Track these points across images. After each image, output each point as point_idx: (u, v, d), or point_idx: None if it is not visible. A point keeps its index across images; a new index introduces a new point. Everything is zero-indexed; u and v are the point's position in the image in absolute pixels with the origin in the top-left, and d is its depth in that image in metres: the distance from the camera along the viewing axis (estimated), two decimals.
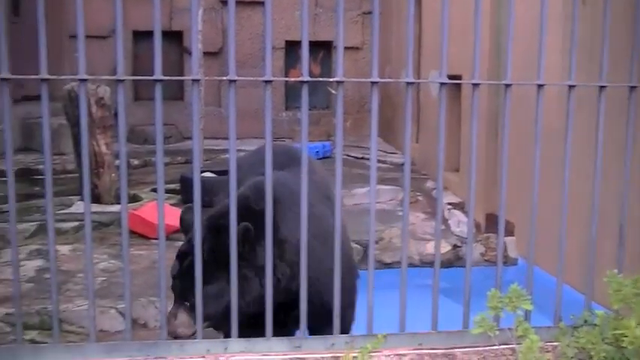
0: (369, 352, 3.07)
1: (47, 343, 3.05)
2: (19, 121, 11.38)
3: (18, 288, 3.04)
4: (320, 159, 10.87)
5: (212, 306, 3.34)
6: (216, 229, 3.34)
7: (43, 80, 2.89)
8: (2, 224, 6.66)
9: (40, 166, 9.83)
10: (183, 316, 3.48)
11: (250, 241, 3.34)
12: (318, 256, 3.38)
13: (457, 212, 7.79)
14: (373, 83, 3.04)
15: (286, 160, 3.78)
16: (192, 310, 3.30)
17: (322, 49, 13.49)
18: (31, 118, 11.52)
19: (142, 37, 12.99)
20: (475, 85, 3.16)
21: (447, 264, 6.75)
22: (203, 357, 3.06)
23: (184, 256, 3.46)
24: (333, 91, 3.25)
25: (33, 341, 4.46)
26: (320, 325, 3.31)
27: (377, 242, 6.61)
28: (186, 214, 3.61)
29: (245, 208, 3.32)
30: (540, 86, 3.21)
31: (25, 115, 11.47)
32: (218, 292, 3.35)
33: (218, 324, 3.50)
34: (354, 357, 3.05)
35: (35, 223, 7.15)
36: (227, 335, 3.21)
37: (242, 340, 3.13)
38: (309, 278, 3.13)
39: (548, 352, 3.10)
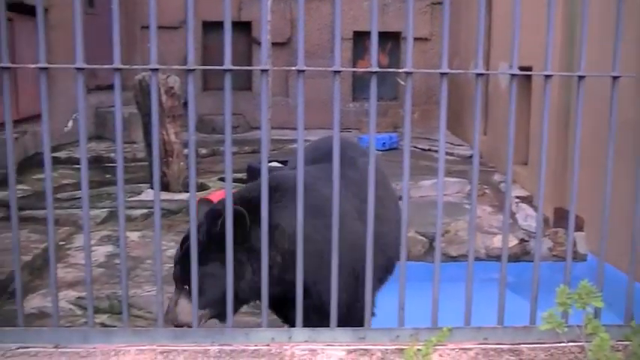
0: (434, 345, 3.06)
1: (116, 327, 3.12)
2: (92, 110, 11.67)
3: (89, 273, 3.12)
4: (386, 150, 10.84)
5: (210, 290, 3.36)
6: (212, 215, 3.41)
7: (116, 70, 2.95)
8: (75, 210, 6.85)
9: (112, 154, 10.07)
10: (184, 303, 3.47)
11: (244, 225, 3.32)
12: (316, 248, 3.36)
13: (525, 206, 7.66)
14: (443, 74, 3.01)
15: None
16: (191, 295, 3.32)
17: (390, 40, 13.41)
18: (103, 107, 11.80)
19: (211, 27, 13.16)
20: (547, 76, 3.09)
21: (514, 258, 6.65)
22: (267, 345, 3.09)
23: (185, 242, 3.44)
24: (402, 82, 3.23)
25: (103, 325, 4.57)
26: (318, 319, 3.26)
27: (443, 235, 6.57)
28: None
29: (241, 198, 3.41)
30: (615, 78, 3.13)
31: (97, 104, 11.76)
32: (215, 276, 3.32)
33: (219, 312, 3.41)
34: (418, 349, 3.04)
35: (106, 209, 7.33)
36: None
37: (306, 329, 3.15)
38: (305, 270, 3.11)
39: (618, 351, 3.03)
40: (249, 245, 3.39)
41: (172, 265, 3.64)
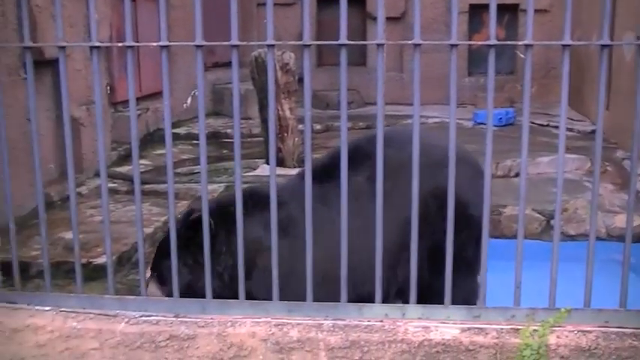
0: (551, 326, 2.98)
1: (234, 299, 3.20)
2: (209, 87, 11.94)
3: (208, 247, 3.20)
4: (502, 126, 10.59)
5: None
6: (185, 216, 3.56)
7: (233, 46, 3.00)
8: (194, 185, 7.05)
9: (229, 130, 10.29)
10: (153, 288, 3.58)
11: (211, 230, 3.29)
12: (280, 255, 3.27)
13: None
14: (565, 46, 2.90)
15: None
16: (160, 282, 3.54)
17: (508, 12, 13.04)
18: (220, 83, 12.05)
19: (325, 3, 13.16)
20: None
21: (637, 239, 6.38)
22: (381, 321, 3.09)
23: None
24: (522, 55, 3.13)
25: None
26: None
27: (561, 213, 6.38)
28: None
29: (217, 205, 3.52)
30: None
31: (215, 81, 12.01)
32: (180, 270, 3.34)
33: None
34: (534, 330, 2.98)
35: (223, 184, 7.49)
36: None
37: (420, 306, 3.14)
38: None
39: None
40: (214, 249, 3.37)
41: None
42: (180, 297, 3.27)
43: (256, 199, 3.39)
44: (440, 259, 3.15)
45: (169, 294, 3.36)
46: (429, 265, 3.43)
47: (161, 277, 3.56)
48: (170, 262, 3.26)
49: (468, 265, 3.57)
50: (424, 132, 3.40)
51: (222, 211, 3.42)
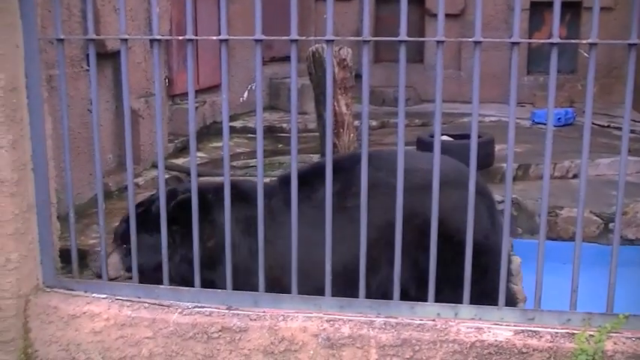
0: (608, 332, 2.92)
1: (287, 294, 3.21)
2: (266, 81, 12.00)
3: (262, 239, 3.22)
4: (561, 126, 10.40)
5: (143, 257, 3.42)
6: (169, 195, 3.46)
7: (292, 41, 3.00)
8: (251, 178, 7.10)
9: (284, 124, 10.33)
10: (116, 258, 3.58)
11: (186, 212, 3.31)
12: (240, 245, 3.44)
13: None
14: (631, 45, 2.82)
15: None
16: (126, 254, 3.50)
17: (570, 10, 12.80)
18: (277, 78, 12.10)
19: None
20: None
21: None
22: (433, 320, 3.07)
23: (138, 206, 3.53)
24: (585, 54, 3.07)
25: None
26: None
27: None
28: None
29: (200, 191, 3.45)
30: None
31: (272, 76, 12.07)
32: (150, 246, 3.41)
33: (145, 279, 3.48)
34: (590, 335, 2.92)
35: None
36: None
37: (473, 306, 3.11)
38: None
39: None
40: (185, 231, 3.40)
41: None
42: (143, 277, 3.36)
43: (234, 193, 3.34)
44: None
45: (140, 268, 3.40)
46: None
47: (126, 250, 3.56)
48: (141, 237, 3.38)
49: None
50: (411, 154, 3.37)
51: (201, 198, 3.41)
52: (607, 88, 12.32)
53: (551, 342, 2.93)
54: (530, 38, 12.93)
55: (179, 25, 8.92)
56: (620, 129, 2.97)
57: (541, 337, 2.95)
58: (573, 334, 2.95)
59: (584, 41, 2.90)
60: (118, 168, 6.90)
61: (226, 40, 3.08)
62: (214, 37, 3.12)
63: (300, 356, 3.06)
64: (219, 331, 3.11)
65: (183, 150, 8.56)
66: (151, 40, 3.18)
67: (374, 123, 10.47)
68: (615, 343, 2.90)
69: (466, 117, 10.35)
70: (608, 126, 10.40)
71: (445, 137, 7.81)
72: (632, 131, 9.76)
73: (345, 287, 3.24)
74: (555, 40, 2.85)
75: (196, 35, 3.16)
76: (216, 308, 3.20)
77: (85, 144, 6.04)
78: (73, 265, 3.46)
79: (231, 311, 3.18)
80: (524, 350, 2.92)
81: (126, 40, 3.21)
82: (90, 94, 3.30)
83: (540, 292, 3.07)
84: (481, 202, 3.33)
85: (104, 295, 3.33)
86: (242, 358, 3.10)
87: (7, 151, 3.15)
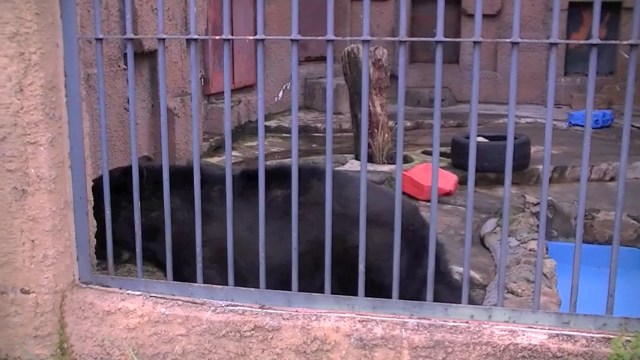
0: None
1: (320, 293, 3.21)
2: (301, 81, 12.04)
3: (263, 240, 3.22)
4: (599, 128, 10.28)
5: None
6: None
7: (328, 41, 3.00)
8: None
9: (319, 124, 10.34)
10: None
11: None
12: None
13: None
14: None
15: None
16: None
17: (609, 10, 12.65)
18: (312, 78, 12.13)
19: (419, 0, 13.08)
20: None
21: None
22: (466, 322, 3.05)
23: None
24: (626, 55, 3.02)
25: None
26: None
27: None
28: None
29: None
30: None
31: (306, 76, 12.10)
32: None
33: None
34: (627, 340, 2.88)
35: None
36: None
37: (507, 309, 3.08)
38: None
39: None
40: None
41: None
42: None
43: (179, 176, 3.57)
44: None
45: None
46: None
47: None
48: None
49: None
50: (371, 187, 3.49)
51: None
52: None
53: (586, 346, 2.89)
54: (568, 39, 12.83)
55: (215, 25, 8.99)
56: None
57: (576, 341, 2.92)
58: (609, 338, 2.90)
59: (624, 42, 2.85)
60: None
61: (262, 39, 3.09)
62: (250, 37, 3.13)
63: (332, 356, 3.06)
64: (252, 329, 3.12)
65: (218, 149, 8.62)
66: (188, 40, 3.21)
67: (408, 124, 10.45)
68: None
69: (501, 118, 10.29)
70: None
71: (481, 139, 7.78)
72: None
73: (280, 283, 3.36)
74: (595, 40, 2.81)
75: (232, 35, 3.18)
76: (249, 307, 3.21)
77: (121, 142, 6.11)
78: (108, 261, 3.50)
79: (264, 310, 3.19)
80: (558, 354, 2.89)
81: (163, 39, 3.24)
82: (127, 93, 3.32)
83: (576, 296, 3.03)
84: (406, 247, 3.35)
85: (139, 292, 3.36)
86: (274, 357, 3.11)
87: (45, 149, 3.20)
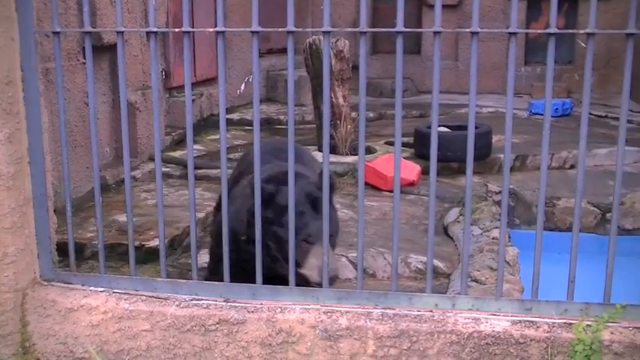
0: (605, 322, 2.92)
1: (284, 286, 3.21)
2: (263, 74, 11.99)
3: (260, 230, 3.21)
4: (559, 117, 10.40)
5: None
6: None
7: (289, 32, 2.99)
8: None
9: (282, 116, 10.32)
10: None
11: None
12: None
13: None
14: (628, 35, 2.82)
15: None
16: None
17: (567, 0, 12.80)
18: (274, 70, 12.09)
19: None
20: None
21: None
22: (430, 311, 3.07)
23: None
24: (583, 44, 3.06)
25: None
26: None
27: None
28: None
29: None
30: None
31: (269, 68, 12.06)
32: None
33: None
34: (587, 325, 2.92)
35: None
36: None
37: (470, 297, 3.11)
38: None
39: None
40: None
41: None
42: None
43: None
44: None
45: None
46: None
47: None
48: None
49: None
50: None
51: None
52: (605, 78, 12.32)
53: (548, 332, 2.93)
54: (527, 29, 12.94)
55: (176, 18, 8.91)
56: (617, 119, 2.97)
57: (538, 327, 2.96)
58: (571, 324, 2.95)
59: (581, 31, 2.89)
60: (115, 161, 6.89)
61: (223, 32, 3.07)
62: (211, 29, 3.11)
63: (298, 348, 3.06)
64: (217, 323, 3.11)
65: (180, 142, 8.55)
66: (148, 33, 3.17)
67: (371, 114, 10.46)
68: (612, 333, 2.90)
69: (464, 108, 10.36)
70: (606, 116, 10.41)
71: (443, 128, 7.82)
72: (629, 121, 9.81)
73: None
74: (553, 30, 2.84)
75: (193, 27, 3.15)
76: (213, 301, 3.20)
77: (82, 137, 6.03)
78: (70, 258, 3.46)
79: (229, 303, 3.18)
80: (521, 340, 2.93)
81: (122, 32, 3.20)
82: (87, 87, 3.28)
83: (538, 283, 3.07)
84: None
85: (102, 289, 3.33)
86: (240, 350, 3.10)
87: (3, 145, 3.14)
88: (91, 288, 3.34)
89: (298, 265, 3.27)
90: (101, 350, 3.20)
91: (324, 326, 3.04)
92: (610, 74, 12.21)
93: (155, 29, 3.14)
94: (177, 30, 3.20)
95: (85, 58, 3.28)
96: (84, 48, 3.32)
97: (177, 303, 3.20)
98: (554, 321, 2.98)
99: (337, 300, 3.15)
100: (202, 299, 3.22)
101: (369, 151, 7.97)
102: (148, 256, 4.73)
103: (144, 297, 3.25)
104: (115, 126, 6.82)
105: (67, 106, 3.41)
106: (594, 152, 8.01)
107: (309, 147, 8.33)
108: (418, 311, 3.07)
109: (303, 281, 3.29)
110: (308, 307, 3.12)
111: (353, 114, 8.07)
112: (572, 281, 3.03)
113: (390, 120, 10.25)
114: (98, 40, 6.17)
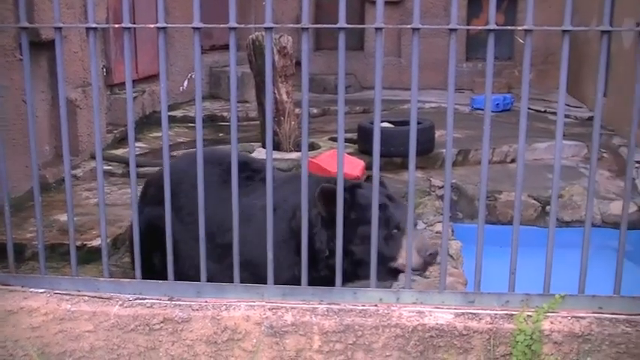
0: (545, 312, 2.99)
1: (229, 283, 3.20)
2: (206, 70, 11.90)
3: (203, 226, 3.19)
4: (500, 112, 10.58)
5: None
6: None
7: (231, 29, 2.98)
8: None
9: (225, 113, 10.26)
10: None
11: None
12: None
13: None
14: (565, 32, 2.88)
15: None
16: None
17: None
18: (217, 66, 12.01)
19: None
20: None
21: (632, 226, 6.39)
22: (375, 305, 3.10)
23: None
24: (521, 41, 3.12)
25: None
26: None
27: (557, 199, 6.40)
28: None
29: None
30: None
31: (212, 64, 11.97)
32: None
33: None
34: (528, 316, 2.98)
35: None
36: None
37: (414, 291, 3.15)
38: None
39: None
40: None
41: None
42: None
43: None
44: None
45: None
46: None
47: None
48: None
49: None
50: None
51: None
52: (544, 73, 12.56)
53: (490, 323, 2.98)
54: (468, 25, 13.11)
55: (117, 14, 8.77)
56: (556, 114, 3.04)
57: (481, 319, 3.01)
58: (512, 315, 3.01)
59: (520, 28, 2.94)
60: (55, 159, 6.75)
61: (164, 28, 3.04)
62: (152, 26, 3.07)
63: (244, 345, 3.05)
64: (161, 322, 3.08)
65: (122, 140, 8.43)
66: (87, 29, 3.11)
67: (315, 111, 10.48)
68: (552, 323, 2.97)
69: (406, 104, 10.42)
70: (545, 111, 10.62)
71: (386, 124, 7.87)
72: (567, 116, 10.02)
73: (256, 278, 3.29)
74: (492, 26, 2.89)
75: (134, 23, 3.11)
76: (157, 299, 3.17)
77: (20, 135, 5.89)
78: (9, 259, 3.38)
79: (173, 302, 3.15)
80: (464, 332, 2.97)
81: (60, 28, 3.14)
82: (24, 85, 3.21)
83: (480, 275, 3.12)
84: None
85: (42, 290, 3.26)
86: (185, 349, 3.08)
87: None
88: (31, 289, 3.27)
89: (392, 259, 3.29)
90: (43, 353, 3.14)
91: (270, 323, 3.04)
92: (548, 70, 12.46)
93: (94, 25, 3.09)
94: (117, 26, 3.15)
95: (22, 55, 3.21)
96: (21, 44, 3.24)
97: (120, 303, 3.16)
98: (497, 312, 3.04)
99: (282, 296, 3.15)
100: (146, 298, 3.18)
101: (313, 147, 7.98)
102: (90, 256, 4.66)
103: (86, 297, 3.20)
104: (55, 124, 6.68)
105: (4, 104, 3.33)
106: (534, 146, 8.16)
107: (252, 143, 8.33)
108: (363, 306, 3.09)
109: (390, 276, 3.33)
110: (253, 304, 3.12)
111: (297, 110, 8.07)
112: (513, 273, 3.09)
113: (333, 116, 10.26)
114: (36, 37, 6.03)
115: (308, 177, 3.11)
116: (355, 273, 3.34)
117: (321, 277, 3.31)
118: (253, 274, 3.25)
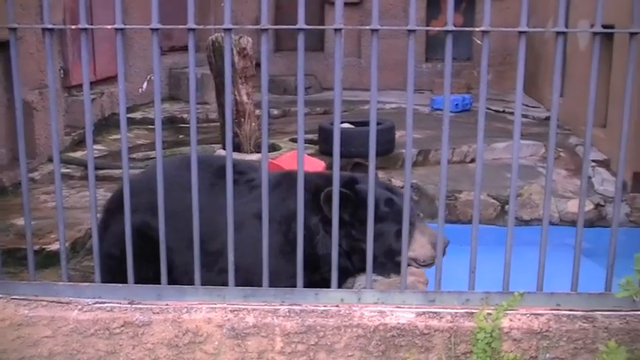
0: (505, 310, 3.02)
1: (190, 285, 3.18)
2: (166, 72, 11.81)
3: (163, 231, 3.17)
4: (459, 112, 10.68)
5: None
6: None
7: (190, 30, 2.96)
8: None
9: (185, 115, 10.20)
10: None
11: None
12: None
13: (601, 170, 7.46)
14: (521, 33, 2.92)
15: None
16: None
17: None
18: (177, 68, 11.94)
19: None
20: (633, 34, 2.95)
21: (589, 224, 6.49)
22: (337, 306, 3.10)
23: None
24: (479, 42, 3.15)
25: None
26: None
27: (515, 198, 6.48)
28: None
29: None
30: None
31: (171, 66, 11.89)
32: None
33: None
34: (488, 314, 3.01)
35: None
36: None
37: (376, 291, 3.16)
38: None
39: None
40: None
41: None
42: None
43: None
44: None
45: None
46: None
47: None
48: None
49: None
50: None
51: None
52: (501, 74, 12.72)
53: (451, 322, 3.01)
54: (427, 26, 13.21)
55: (73, 14, 8.66)
56: (514, 114, 3.08)
57: (442, 317, 3.03)
58: (472, 313, 3.04)
59: (477, 29, 2.97)
60: (12, 163, 6.66)
61: (122, 29, 3.01)
62: (109, 27, 3.04)
63: (206, 348, 3.04)
64: (122, 326, 3.05)
65: (80, 143, 8.33)
66: (43, 30, 3.07)
67: (275, 112, 10.48)
68: (511, 320, 3.00)
69: (367, 104, 10.46)
70: (503, 111, 10.74)
71: (346, 125, 7.90)
72: (524, 116, 10.16)
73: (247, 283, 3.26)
74: (450, 27, 2.91)
75: (91, 24, 3.08)
76: (117, 303, 3.14)
77: None
78: None
79: (134, 305, 3.12)
80: (425, 331, 2.99)
81: (15, 29, 3.09)
82: None
83: (440, 274, 3.14)
84: None
85: None
86: (146, 353, 3.05)
87: None
88: None
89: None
90: None
91: (231, 325, 3.03)
92: (506, 71, 12.62)
93: (50, 26, 3.05)
94: (74, 27, 3.12)
95: None
96: None
97: (79, 307, 3.12)
98: (457, 311, 3.06)
99: (244, 298, 3.14)
100: (106, 302, 3.15)
101: (274, 148, 7.97)
102: (48, 260, 4.59)
103: (44, 302, 3.16)
104: (11, 126, 6.57)
105: None
106: (493, 146, 8.26)
107: (213, 145, 8.30)
108: (325, 306, 3.10)
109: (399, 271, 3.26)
110: (214, 306, 3.10)
111: (257, 111, 8.04)
112: (472, 272, 3.12)
113: (294, 117, 10.24)
114: None
115: (298, 176, 3.08)
116: (364, 270, 3.29)
117: (324, 280, 3.27)
118: (245, 281, 3.23)
